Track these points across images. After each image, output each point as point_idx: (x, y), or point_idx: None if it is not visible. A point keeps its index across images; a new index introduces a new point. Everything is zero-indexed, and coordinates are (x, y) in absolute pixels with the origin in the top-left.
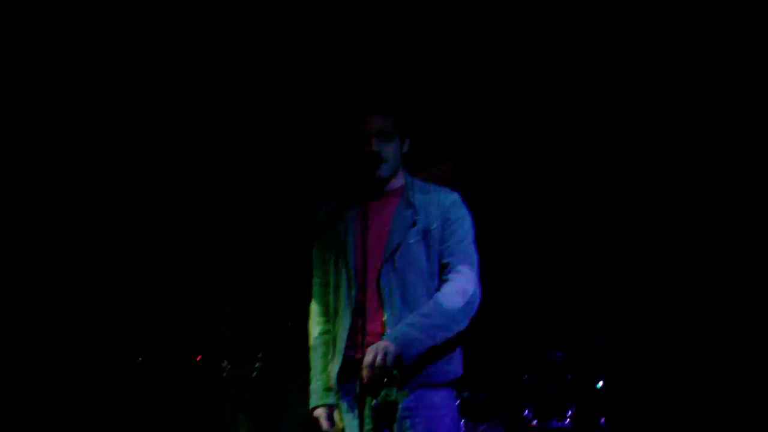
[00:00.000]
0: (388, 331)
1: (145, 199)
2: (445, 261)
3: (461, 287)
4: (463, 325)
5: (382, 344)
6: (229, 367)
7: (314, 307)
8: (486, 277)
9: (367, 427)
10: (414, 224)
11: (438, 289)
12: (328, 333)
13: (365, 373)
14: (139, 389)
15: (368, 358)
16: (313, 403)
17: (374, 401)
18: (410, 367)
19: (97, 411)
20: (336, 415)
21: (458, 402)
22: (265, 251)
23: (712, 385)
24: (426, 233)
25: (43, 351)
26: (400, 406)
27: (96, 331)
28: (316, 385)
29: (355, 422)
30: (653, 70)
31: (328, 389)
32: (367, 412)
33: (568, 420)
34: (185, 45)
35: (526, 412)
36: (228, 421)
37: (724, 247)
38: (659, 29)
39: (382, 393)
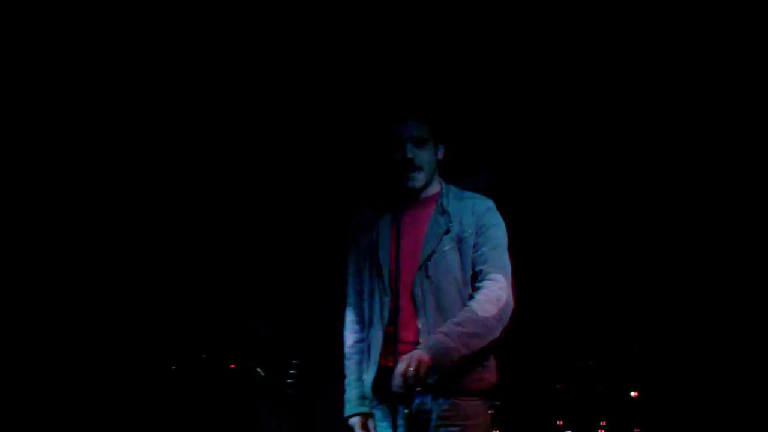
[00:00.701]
0: (422, 339)
1: (183, 204)
2: (477, 268)
3: (494, 295)
4: (496, 334)
5: (416, 354)
6: (265, 370)
7: (348, 316)
8: (520, 285)
9: None
10: (448, 231)
11: (471, 297)
12: (363, 341)
13: (399, 382)
14: (176, 393)
15: (402, 367)
16: (347, 411)
17: (407, 410)
18: (445, 376)
19: (132, 416)
20: (370, 423)
21: (491, 411)
22: (301, 258)
23: (746, 396)
24: (460, 240)
25: (79, 358)
26: (434, 414)
27: (130, 336)
28: (350, 393)
29: (389, 431)
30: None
31: (362, 398)
32: (400, 421)
33: (602, 430)
34: (214, 53)
35: (559, 422)
36: (264, 424)
37: (762, 262)
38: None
39: (416, 402)
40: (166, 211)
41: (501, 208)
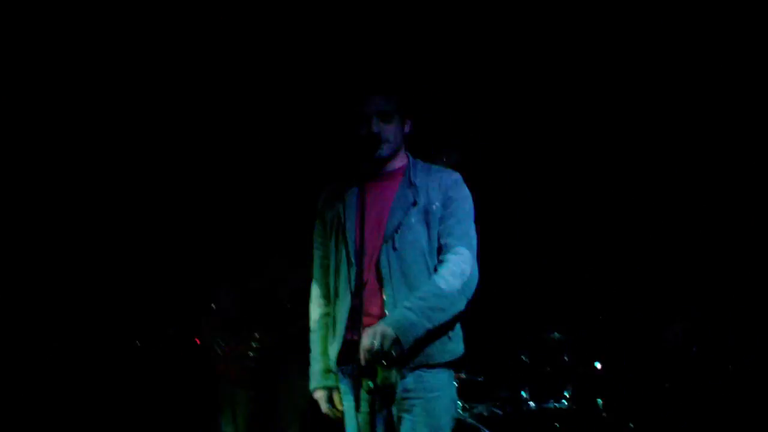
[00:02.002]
0: (388, 312)
1: (144, 179)
2: (443, 241)
3: (459, 268)
4: (461, 307)
5: (379, 328)
6: (227, 345)
7: (315, 289)
8: (485, 258)
9: (364, 409)
10: (415, 204)
11: (436, 270)
12: (329, 315)
13: (362, 356)
14: (137, 369)
15: (365, 341)
16: (313, 385)
17: (371, 383)
18: (409, 349)
19: (96, 394)
20: (336, 396)
21: (456, 383)
22: (266, 232)
23: (708, 367)
24: (427, 213)
25: (44, 334)
26: (398, 387)
27: (95, 314)
28: (316, 367)
29: (353, 404)
30: (650, 65)
31: (327, 371)
32: (363, 394)
33: (566, 401)
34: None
35: (524, 393)
36: (226, 399)
37: (721, 235)
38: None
39: (380, 375)
40: (134, 186)
41: (468, 182)
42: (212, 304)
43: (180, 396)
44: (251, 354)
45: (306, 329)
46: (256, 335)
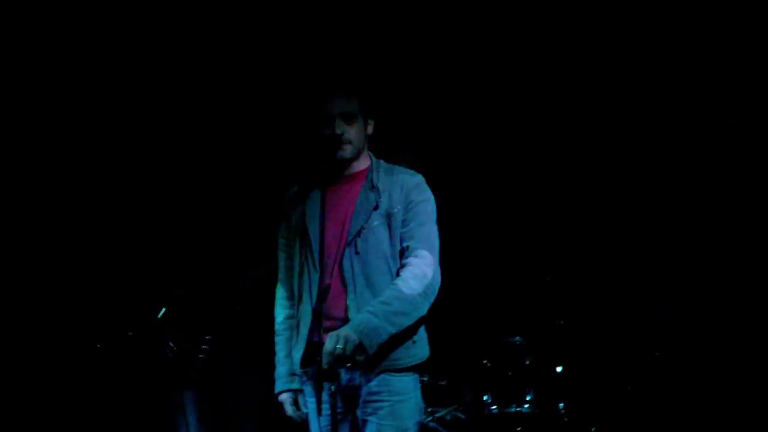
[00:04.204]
0: (351, 316)
1: (99, 177)
2: (405, 244)
3: (421, 272)
4: (423, 310)
5: (343, 332)
6: (176, 346)
7: (279, 291)
8: (447, 261)
9: (325, 412)
10: (377, 207)
11: (398, 274)
12: (293, 318)
13: (324, 359)
14: (95, 370)
15: (328, 345)
16: (278, 388)
17: (332, 387)
18: (374, 354)
19: (52, 395)
20: (301, 399)
21: (421, 383)
22: (220, 233)
23: (671, 369)
24: (389, 216)
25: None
26: (363, 390)
27: (51, 316)
28: (280, 370)
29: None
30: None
31: (292, 374)
32: (324, 397)
33: (528, 405)
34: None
35: (486, 397)
36: (177, 401)
37: (684, 234)
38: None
39: (345, 378)
40: (90, 184)
41: (430, 184)
42: (163, 305)
43: (135, 397)
44: (201, 355)
45: (257, 330)
46: (206, 336)
